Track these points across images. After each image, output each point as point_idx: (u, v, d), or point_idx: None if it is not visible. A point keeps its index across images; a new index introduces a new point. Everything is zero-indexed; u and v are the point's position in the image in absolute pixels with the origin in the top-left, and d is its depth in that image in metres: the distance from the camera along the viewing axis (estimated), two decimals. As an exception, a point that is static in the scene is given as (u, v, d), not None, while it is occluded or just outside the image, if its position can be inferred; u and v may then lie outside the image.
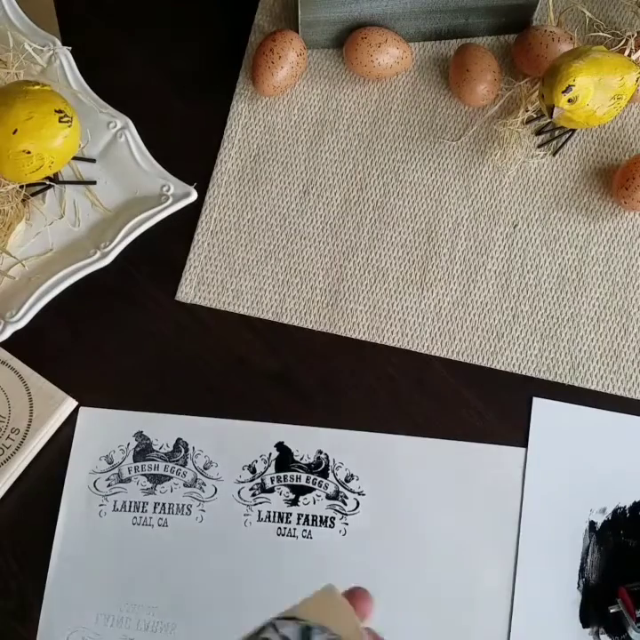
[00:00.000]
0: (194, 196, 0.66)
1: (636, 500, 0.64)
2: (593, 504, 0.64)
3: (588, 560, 0.63)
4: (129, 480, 0.65)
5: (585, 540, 0.63)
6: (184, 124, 0.72)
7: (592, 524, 0.64)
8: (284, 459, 0.65)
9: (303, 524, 0.64)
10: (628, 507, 0.64)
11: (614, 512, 0.64)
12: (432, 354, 0.67)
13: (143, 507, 0.64)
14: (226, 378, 0.67)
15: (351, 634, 0.41)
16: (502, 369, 0.67)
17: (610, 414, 0.65)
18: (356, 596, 0.45)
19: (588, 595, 0.63)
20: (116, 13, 0.74)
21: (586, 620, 0.62)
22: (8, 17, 0.68)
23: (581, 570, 0.63)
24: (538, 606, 0.62)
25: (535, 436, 0.65)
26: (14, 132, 0.59)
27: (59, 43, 0.67)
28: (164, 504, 0.64)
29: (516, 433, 0.65)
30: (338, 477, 0.64)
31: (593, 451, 0.65)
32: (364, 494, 0.64)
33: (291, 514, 0.64)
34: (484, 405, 0.66)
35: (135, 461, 0.65)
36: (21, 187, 0.65)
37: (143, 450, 0.65)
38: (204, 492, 0.64)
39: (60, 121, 0.60)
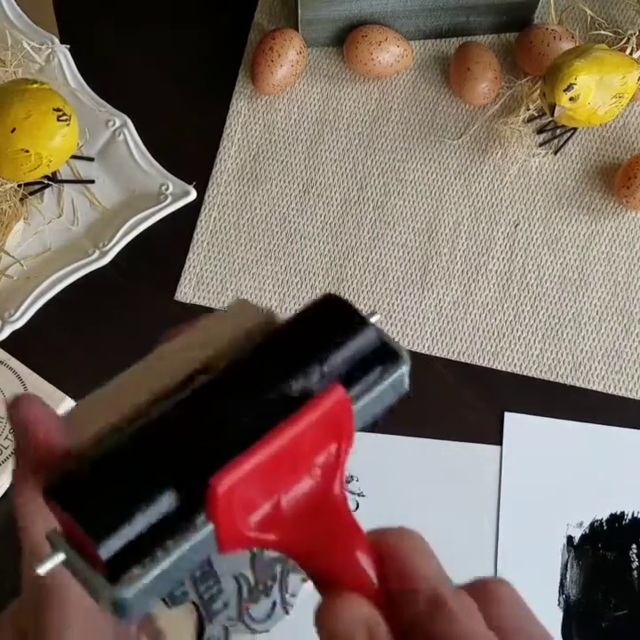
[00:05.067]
0: (193, 195, 0.65)
1: (613, 513, 0.63)
2: (569, 518, 0.63)
3: (568, 576, 0.62)
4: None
5: (563, 556, 0.62)
6: (183, 123, 0.71)
7: (570, 538, 0.62)
8: (284, 459, 0.64)
9: (303, 525, 0.63)
10: (604, 519, 0.63)
11: (591, 525, 0.63)
12: (432, 354, 0.67)
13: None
14: (225, 378, 0.66)
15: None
16: (503, 369, 0.66)
17: (582, 426, 0.64)
18: None
19: (570, 612, 0.61)
20: (115, 11, 0.74)
21: (568, 638, 0.61)
22: (6, 15, 0.67)
23: (561, 586, 0.61)
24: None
25: (508, 450, 0.64)
26: (12, 131, 0.58)
27: (57, 41, 0.67)
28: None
29: (517, 434, 0.65)
30: (338, 478, 0.64)
31: (567, 463, 0.64)
32: (363, 495, 0.64)
33: (290, 515, 0.64)
34: (485, 406, 0.65)
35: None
36: (19, 186, 0.64)
37: (142, 450, 0.65)
38: (203, 492, 0.64)
39: (58, 120, 0.59)
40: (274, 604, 0.40)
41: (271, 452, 0.25)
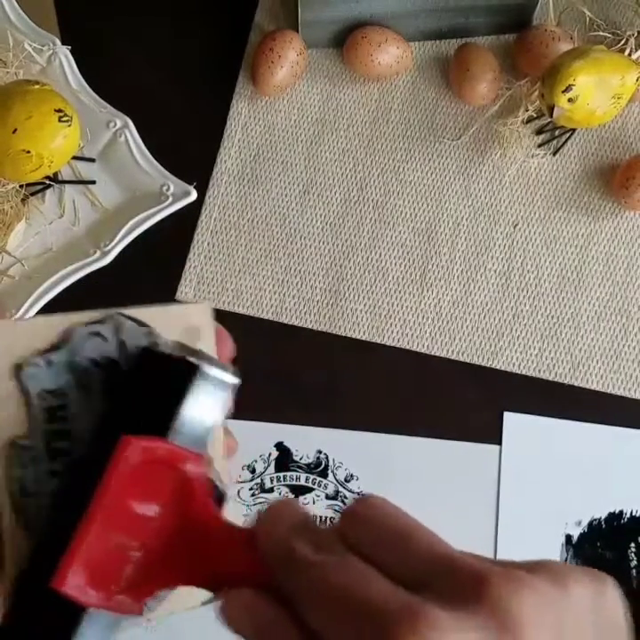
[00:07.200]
0: (193, 195, 0.65)
1: (611, 511, 0.63)
2: (568, 517, 0.63)
3: None
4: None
5: (562, 554, 0.62)
6: (184, 124, 0.72)
7: (568, 537, 0.63)
8: (284, 458, 0.65)
9: (303, 523, 0.64)
10: (603, 518, 0.63)
11: (590, 524, 0.63)
12: (432, 353, 0.67)
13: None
14: (225, 377, 0.66)
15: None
16: (502, 369, 0.66)
17: (580, 425, 0.65)
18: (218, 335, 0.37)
19: None
20: (116, 13, 0.74)
21: None
22: (8, 16, 0.68)
23: None
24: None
25: (507, 450, 0.64)
26: (14, 132, 0.59)
27: (58, 42, 0.67)
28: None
29: (516, 433, 0.65)
30: (337, 477, 0.64)
31: (565, 463, 0.64)
32: (363, 494, 0.64)
33: (290, 514, 0.64)
34: (485, 405, 0.65)
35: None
36: (21, 186, 0.65)
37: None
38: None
39: (59, 120, 0.60)
40: None
41: (93, 532, 0.27)
